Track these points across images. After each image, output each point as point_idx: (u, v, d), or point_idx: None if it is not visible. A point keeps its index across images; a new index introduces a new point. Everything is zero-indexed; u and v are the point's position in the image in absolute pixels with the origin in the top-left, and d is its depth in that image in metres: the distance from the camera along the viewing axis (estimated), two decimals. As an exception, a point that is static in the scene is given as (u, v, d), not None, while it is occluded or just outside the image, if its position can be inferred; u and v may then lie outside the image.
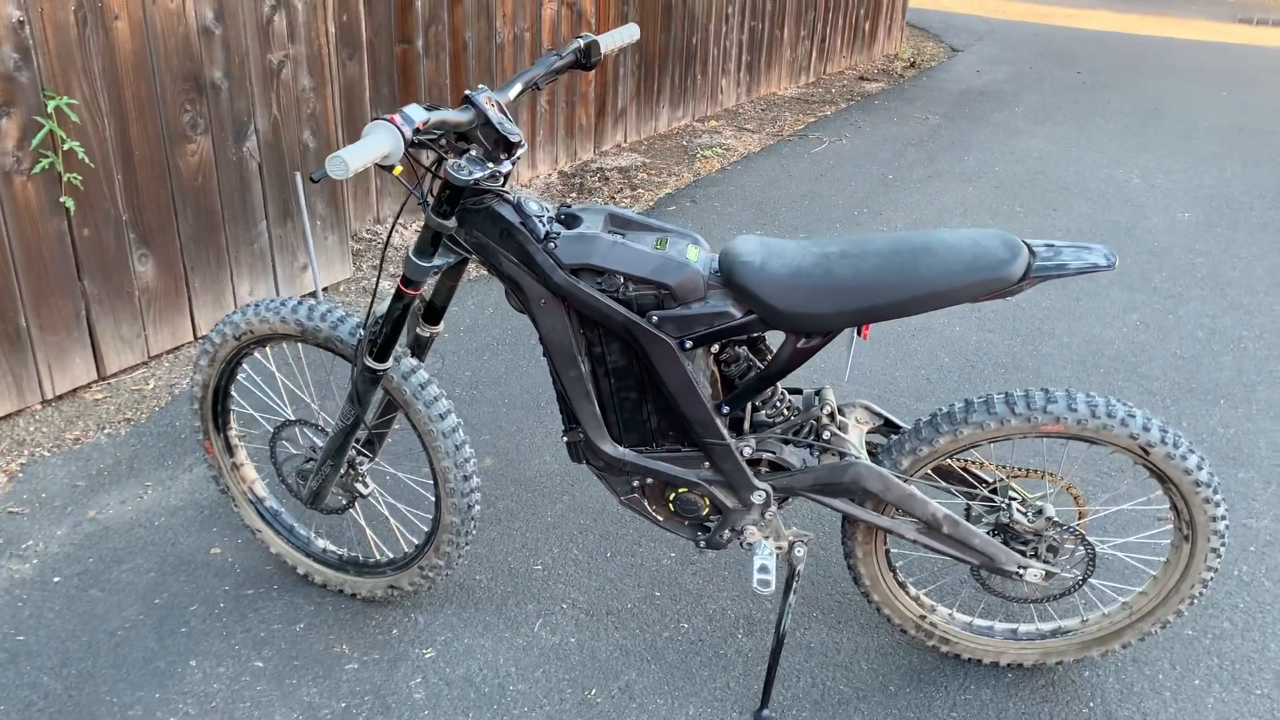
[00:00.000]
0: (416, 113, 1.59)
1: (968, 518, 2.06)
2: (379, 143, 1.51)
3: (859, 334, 1.86)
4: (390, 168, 1.57)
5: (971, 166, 5.99)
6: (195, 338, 3.48)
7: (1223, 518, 1.94)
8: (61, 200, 2.93)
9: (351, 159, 1.45)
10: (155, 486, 2.75)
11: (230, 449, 2.38)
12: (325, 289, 3.91)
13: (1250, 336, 3.87)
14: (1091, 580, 2.37)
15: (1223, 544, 1.97)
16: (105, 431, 2.99)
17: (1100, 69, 9.14)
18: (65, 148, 2.88)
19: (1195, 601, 2.05)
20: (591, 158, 5.84)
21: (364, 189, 4.43)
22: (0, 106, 2.74)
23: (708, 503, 2.03)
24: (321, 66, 3.61)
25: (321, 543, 2.41)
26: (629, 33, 2.11)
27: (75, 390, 3.15)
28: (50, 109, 2.83)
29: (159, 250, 3.27)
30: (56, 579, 2.41)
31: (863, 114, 7.24)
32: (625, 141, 6.16)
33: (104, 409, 3.10)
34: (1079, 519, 2.06)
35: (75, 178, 2.94)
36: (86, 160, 2.96)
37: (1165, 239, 4.89)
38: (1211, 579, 2.02)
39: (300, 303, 2.10)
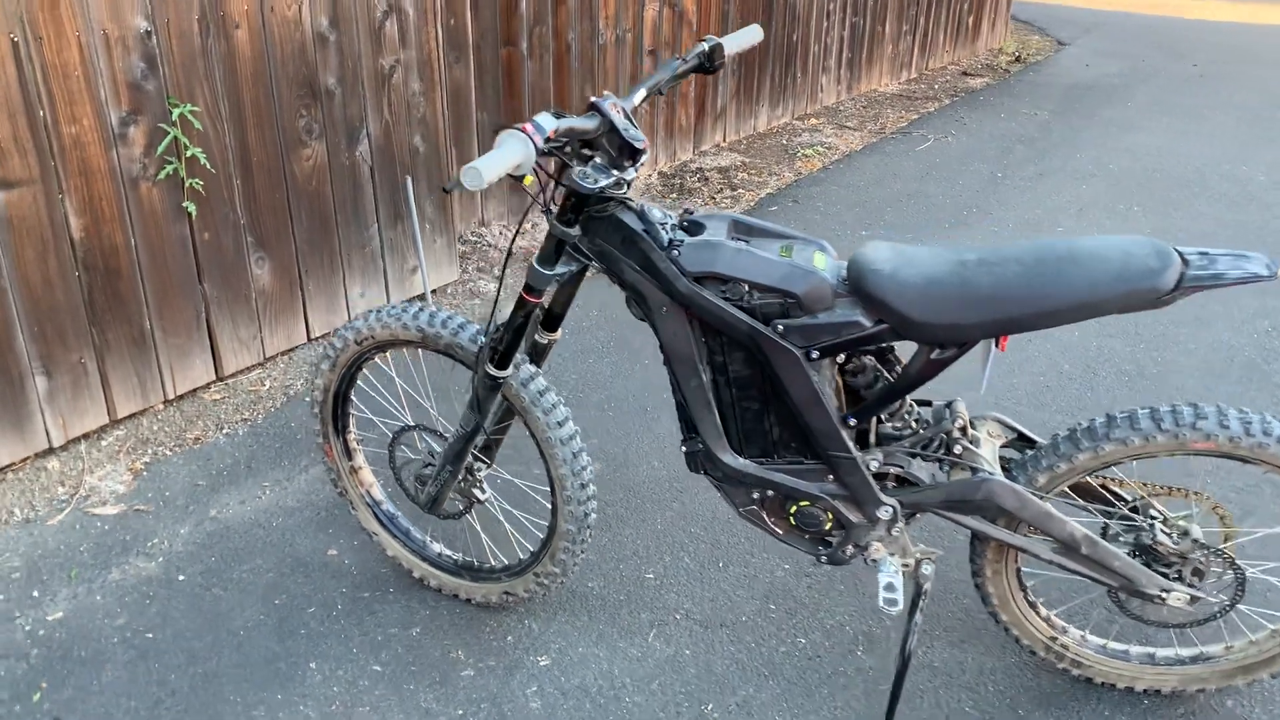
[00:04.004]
0: (547, 121, 1.57)
1: (1104, 537, 1.97)
2: (512, 152, 1.49)
3: (996, 346, 1.79)
4: (521, 177, 1.55)
5: (1084, 164, 5.78)
6: (309, 339, 3.54)
7: (1388, 543, 1.82)
8: (184, 205, 3.00)
9: (486, 169, 1.43)
10: (273, 487, 2.80)
11: (349, 452, 2.40)
12: (434, 291, 3.95)
13: (1394, 344, 3.65)
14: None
15: (1387, 571, 1.84)
16: (224, 431, 3.06)
17: (1216, 61, 8.76)
18: (188, 154, 2.95)
19: (1355, 631, 1.92)
20: (691, 158, 5.80)
21: (469, 192, 4.45)
22: (128, 115, 2.81)
23: (831, 517, 1.97)
24: (431, 70, 3.64)
25: (437, 547, 2.42)
26: (752, 34, 2.06)
27: (194, 390, 3.23)
28: (175, 116, 2.90)
29: (275, 253, 3.33)
30: (181, 577, 2.47)
31: (968, 110, 7.06)
32: (724, 141, 6.11)
33: (222, 409, 3.17)
34: (1225, 541, 1.95)
35: (197, 183, 3.01)
36: (208, 166, 3.03)
37: (1296, 239, 4.65)
38: (1374, 608, 1.89)
39: (421, 309, 2.10)
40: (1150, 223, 4.85)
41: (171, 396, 3.16)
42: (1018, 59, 8.90)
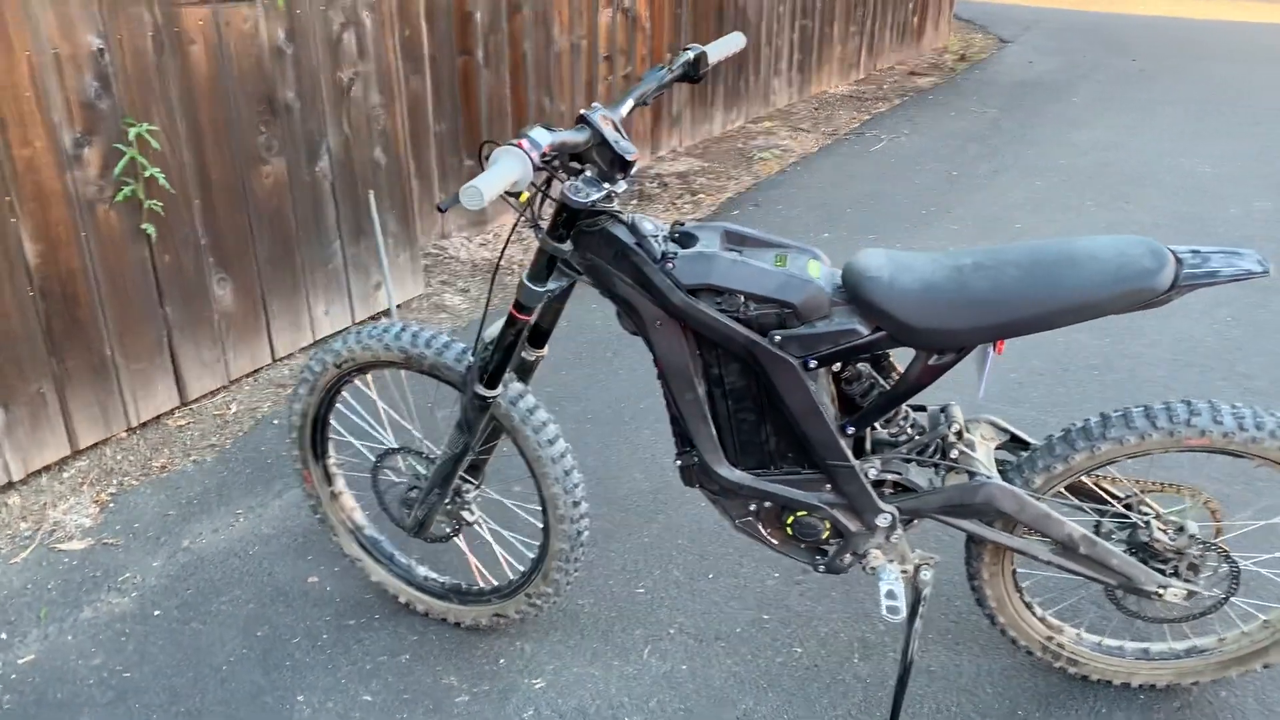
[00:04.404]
0: (542, 136, 1.54)
1: (1098, 535, 1.97)
2: (510, 169, 1.45)
3: (994, 349, 1.78)
4: (518, 194, 1.51)
5: (1036, 160, 5.86)
6: (274, 360, 3.46)
7: (1378, 532, 1.85)
8: (143, 227, 2.91)
9: (486, 188, 1.39)
10: (246, 514, 2.73)
11: (329, 478, 2.34)
12: (399, 306, 3.88)
13: (1349, 330, 3.73)
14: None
15: (1377, 559, 1.87)
16: (191, 458, 2.97)
17: (1156, 56, 8.95)
18: (146, 174, 2.87)
19: (1346, 619, 1.95)
20: (649, 164, 5.78)
21: (429, 205, 4.39)
22: (83, 136, 2.72)
23: (829, 526, 1.96)
24: (390, 82, 3.58)
25: (423, 570, 2.36)
26: (734, 41, 2.04)
27: (159, 417, 3.14)
28: (131, 136, 2.81)
29: (237, 274, 3.25)
30: (157, 612, 2.39)
31: (918, 110, 7.13)
32: (681, 146, 6.10)
33: (188, 435, 3.08)
34: (1216, 535, 1.96)
35: (156, 204, 2.92)
36: (166, 186, 2.94)
37: (1245, 229, 4.74)
38: (1364, 595, 1.91)
39: (404, 329, 2.05)
40: (1105, 217, 4.93)
41: (135, 424, 3.06)
42: (962, 58, 9.01)
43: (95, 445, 2.98)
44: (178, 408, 3.19)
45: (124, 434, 3.05)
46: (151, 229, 2.93)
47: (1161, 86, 7.71)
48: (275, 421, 3.15)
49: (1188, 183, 5.44)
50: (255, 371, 3.42)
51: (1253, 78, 8.03)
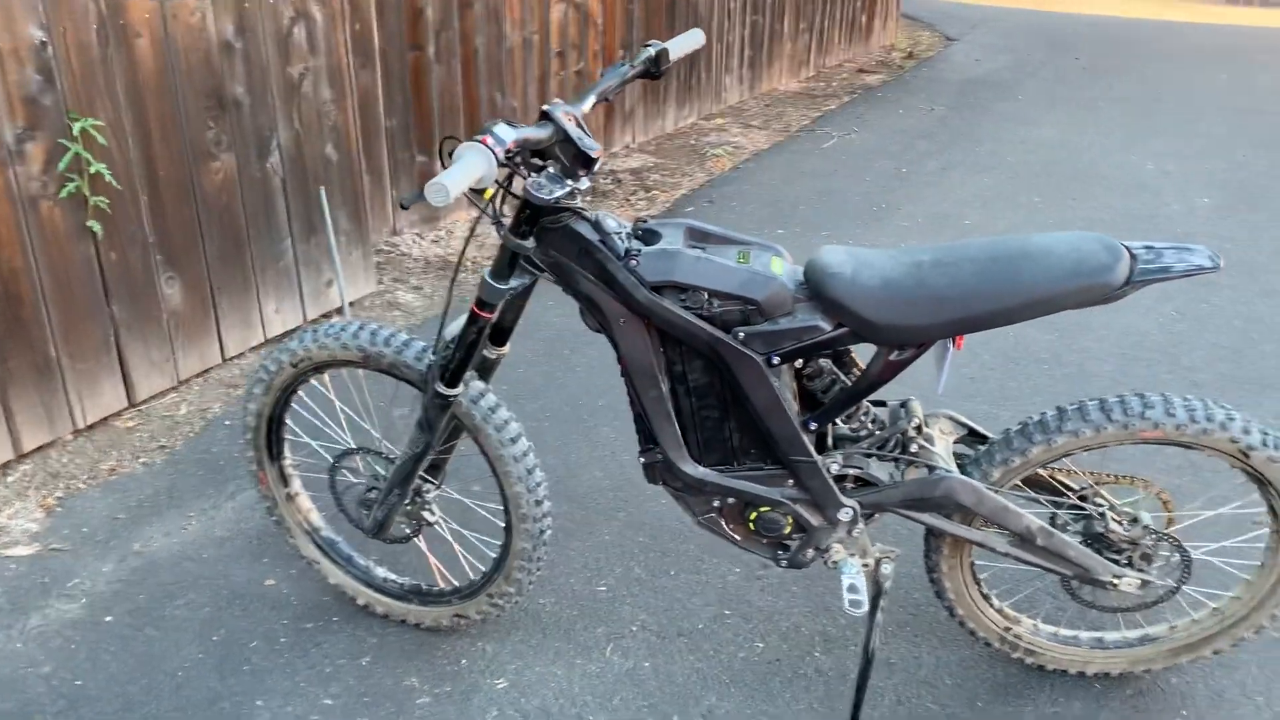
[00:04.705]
0: (506, 132, 1.52)
1: (1054, 526, 2.00)
2: (475, 166, 1.44)
3: (953, 345, 1.80)
4: (481, 191, 1.50)
5: (984, 158, 5.94)
6: (224, 359, 3.40)
7: (1323, 520, 1.90)
8: (89, 224, 2.85)
9: (451, 184, 1.38)
10: (199, 517, 2.68)
11: (285, 479, 2.31)
12: (351, 304, 3.83)
13: (1287, 323, 3.83)
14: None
15: (1322, 546, 1.92)
16: (140, 460, 2.91)
17: (1099, 54, 9.11)
18: (92, 170, 2.80)
19: (1293, 605, 2.00)
20: (603, 160, 5.77)
21: (380, 201, 4.34)
22: (25, 130, 2.65)
23: (791, 521, 1.97)
24: (342, 78, 3.53)
25: (382, 572, 2.34)
26: (694, 39, 2.04)
27: (106, 419, 3.07)
28: (76, 131, 2.74)
29: (186, 271, 3.18)
30: (109, 618, 2.33)
31: (867, 107, 7.19)
32: (634, 142, 6.09)
33: (137, 437, 3.02)
34: (1168, 525, 2.00)
35: (102, 201, 2.85)
36: (113, 182, 2.88)
37: (1188, 225, 4.85)
38: (1310, 582, 1.96)
39: (362, 327, 2.03)
40: (1052, 214, 5.01)
41: (82, 426, 2.99)
42: (910, 55, 9.11)
43: (40, 448, 2.91)
44: (126, 409, 3.12)
45: (70, 436, 2.98)
46: (97, 226, 2.87)
47: (1105, 85, 7.86)
48: (227, 422, 3.10)
49: (1132, 180, 5.55)
50: (205, 371, 3.36)
51: (1193, 77, 8.21)
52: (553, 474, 2.86)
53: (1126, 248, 1.73)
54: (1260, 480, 1.88)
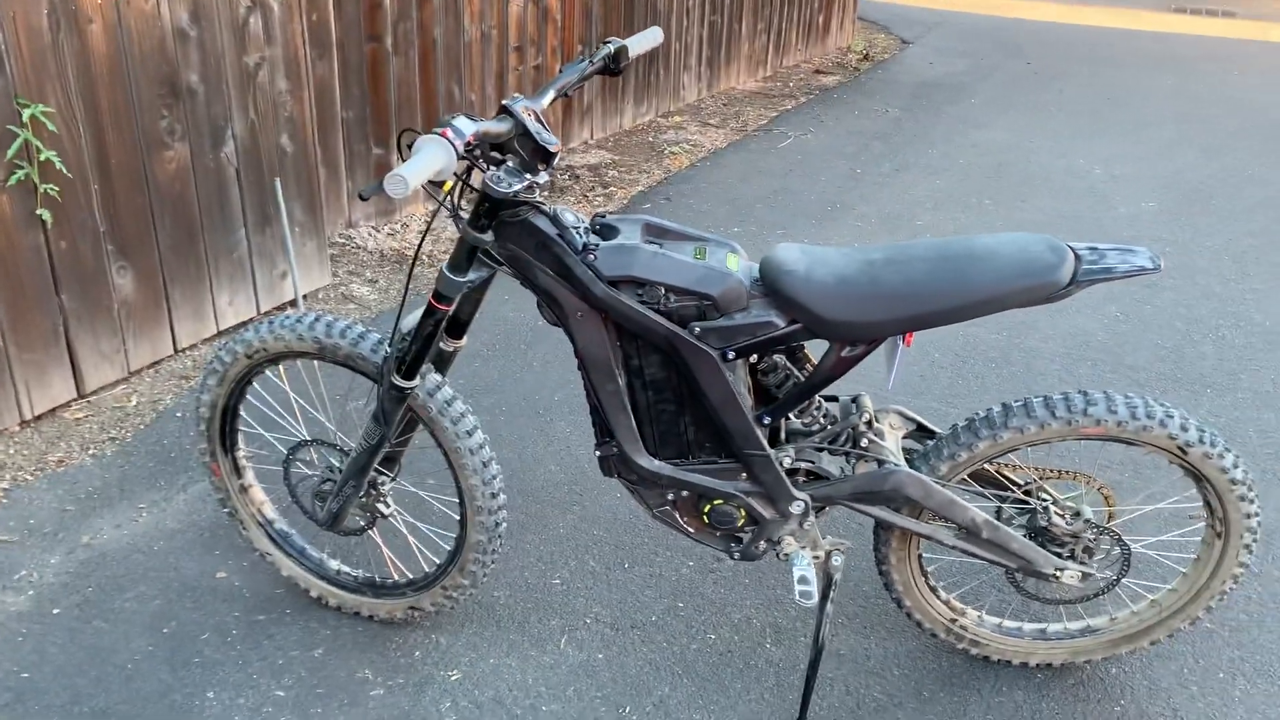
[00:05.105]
0: (466, 125, 1.53)
1: (999, 520, 2.05)
2: (434, 158, 1.45)
3: (903, 342, 1.84)
4: (440, 184, 1.51)
5: (936, 160, 6.03)
6: (176, 351, 3.37)
7: (1256, 515, 1.96)
8: (38, 212, 2.81)
9: (411, 176, 1.39)
10: (150, 509, 2.65)
11: (238, 470, 2.30)
12: (305, 296, 3.81)
13: (1226, 325, 3.94)
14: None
15: (1255, 540, 1.99)
16: (90, 452, 2.88)
17: (1049, 60, 9.26)
18: (41, 158, 2.76)
19: (1226, 598, 2.07)
20: (561, 156, 5.77)
21: (335, 193, 4.32)
22: (-27, 116, 2.61)
23: (744, 514, 2.00)
24: (298, 68, 3.51)
25: (335, 564, 2.34)
26: (653, 36, 2.07)
27: (54, 410, 3.03)
28: (25, 118, 2.70)
29: (138, 261, 3.15)
30: (56, 610, 2.31)
31: (823, 108, 7.26)
32: (592, 138, 6.10)
33: (86, 428, 2.98)
34: (1109, 520, 2.06)
35: (52, 189, 2.81)
36: (64, 170, 2.84)
37: (1133, 229, 4.96)
38: (1243, 575, 2.03)
39: (318, 318, 2.03)
40: (1002, 216, 5.10)
41: (29, 417, 2.95)
42: (866, 57, 9.20)
43: (-14, 439, 2.87)
44: (75, 400, 3.08)
45: (16, 427, 2.93)
46: (47, 214, 2.83)
47: (1054, 89, 7.99)
48: (179, 414, 3.07)
49: (1080, 183, 5.66)
50: (157, 363, 3.32)
51: (1139, 82, 8.38)
52: (508, 467, 2.87)
53: (1072, 248, 1.78)
54: (1197, 476, 1.95)
